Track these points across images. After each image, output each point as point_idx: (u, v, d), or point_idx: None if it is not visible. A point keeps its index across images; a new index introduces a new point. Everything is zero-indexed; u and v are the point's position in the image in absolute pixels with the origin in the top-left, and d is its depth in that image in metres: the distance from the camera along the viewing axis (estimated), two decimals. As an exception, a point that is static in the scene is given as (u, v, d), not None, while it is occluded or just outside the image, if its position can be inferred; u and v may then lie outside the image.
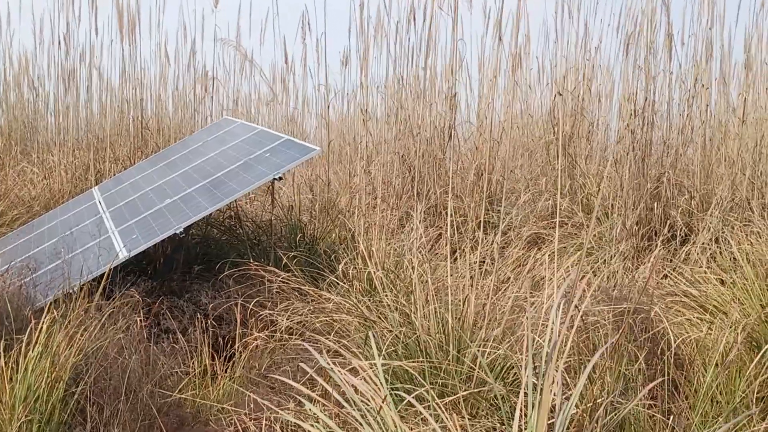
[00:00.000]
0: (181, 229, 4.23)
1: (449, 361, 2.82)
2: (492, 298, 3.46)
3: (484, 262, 5.27)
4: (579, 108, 7.55)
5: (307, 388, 2.37)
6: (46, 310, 3.43)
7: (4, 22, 8.33)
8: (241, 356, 3.32)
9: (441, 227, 6.30)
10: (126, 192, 5.49)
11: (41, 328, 2.65)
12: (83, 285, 3.85)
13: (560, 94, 7.15)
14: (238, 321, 3.58)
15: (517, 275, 4.77)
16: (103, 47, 7.89)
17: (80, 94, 7.88)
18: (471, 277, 3.46)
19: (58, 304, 3.74)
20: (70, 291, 3.82)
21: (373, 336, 2.52)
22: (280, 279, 4.41)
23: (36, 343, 2.61)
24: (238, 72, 8.85)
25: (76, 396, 2.65)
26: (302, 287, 4.44)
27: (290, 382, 2.25)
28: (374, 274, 3.87)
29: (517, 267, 5.14)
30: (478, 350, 2.98)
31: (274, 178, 4.40)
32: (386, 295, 3.69)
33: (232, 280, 4.41)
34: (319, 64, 9.13)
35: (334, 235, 5.95)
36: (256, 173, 4.55)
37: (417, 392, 2.19)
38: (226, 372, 3.16)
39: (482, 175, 6.98)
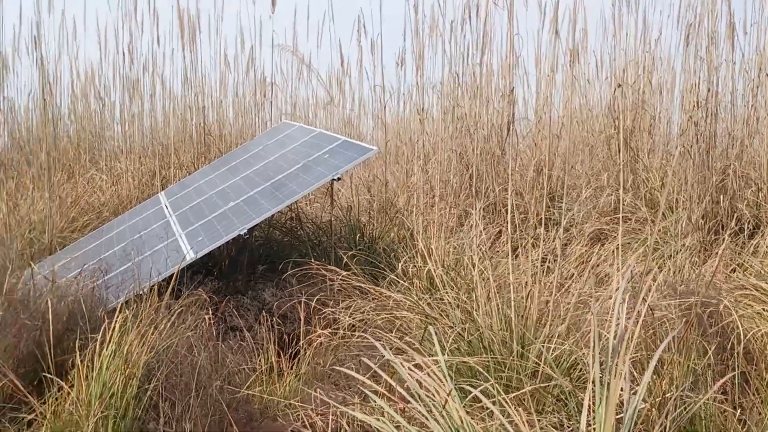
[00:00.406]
0: (245, 231, 4.32)
1: (513, 357, 2.82)
2: (555, 294, 3.43)
3: (546, 259, 5.23)
4: (640, 101, 7.43)
5: (373, 383, 2.40)
6: (117, 310, 3.55)
7: (70, 36, 8.61)
8: (305, 353, 3.37)
9: (501, 225, 6.27)
10: (190, 196, 5.63)
11: (114, 327, 2.74)
12: (153, 286, 3.98)
13: (620, 86, 7.04)
14: (302, 319, 3.64)
15: (581, 272, 4.72)
16: (165, 56, 8.13)
17: (144, 103, 8.12)
18: (533, 273, 3.44)
19: (129, 305, 3.87)
20: (140, 292, 3.95)
21: (435, 332, 2.54)
22: (340, 278, 4.47)
23: (109, 341, 2.71)
24: (296, 77, 8.97)
25: (149, 392, 2.74)
26: (362, 285, 4.49)
27: (356, 375, 2.29)
28: (434, 272, 3.88)
29: (580, 264, 5.08)
30: (543, 346, 2.97)
31: (333, 179, 4.46)
32: (447, 293, 3.70)
33: (295, 279, 4.49)
34: (375, 66, 9.22)
35: (392, 234, 5.99)
36: (315, 174, 4.62)
37: (482, 387, 2.20)
38: (291, 368, 3.22)
39: (542, 171, 6.93)
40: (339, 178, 4.45)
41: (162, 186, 7.43)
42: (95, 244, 5.64)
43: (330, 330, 3.42)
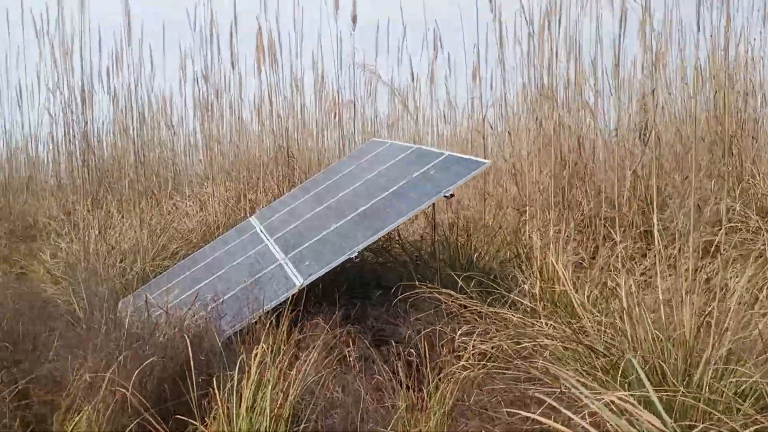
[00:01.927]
0: (356, 254, 4.11)
1: (693, 388, 2.51)
2: (712, 311, 3.11)
3: (645, 274, 4.87)
4: (743, 104, 7.01)
5: (554, 424, 2.12)
6: (240, 340, 3.37)
7: (146, 64, 8.62)
8: (440, 385, 3.12)
9: (595, 239, 5.94)
10: (286, 220, 5.47)
11: (253, 361, 2.54)
12: (263, 314, 3.79)
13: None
14: (426, 347, 3.39)
15: (694, 287, 4.34)
16: (242, 79, 8.06)
17: (223, 126, 8.06)
18: (687, 291, 3.13)
19: (241, 334, 3.69)
20: (253, 321, 3.77)
21: (635, 362, 2.25)
22: (457, 302, 4.21)
23: (249, 379, 2.51)
24: (370, 94, 8.80)
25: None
26: (480, 309, 4.23)
27: (538, 417, 2.02)
28: (572, 295, 3.59)
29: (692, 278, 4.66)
30: (713, 372, 2.66)
31: (445, 195, 4.22)
32: (587, 317, 3.41)
33: (408, 304, 4.25)
34: (447, 80, 9.01)
35: (499, 252, 5.72)
36: (424, 191, 4.39)
37: (700, 427, 1.91)
38: (431, 404, 2.97)
39: (639, 181, 6.57)
40: (452, 195, 4.21)
41: (250, 210, 7.31)
42: (191, 272, 5.52)
43: (465, 359, 3.16)
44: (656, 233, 3.42)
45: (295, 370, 2.58)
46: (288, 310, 3.75)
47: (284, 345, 2.85)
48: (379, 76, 8.46)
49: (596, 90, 6.87)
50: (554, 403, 2.08)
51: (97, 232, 6.54)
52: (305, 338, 3.03)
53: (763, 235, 5.53)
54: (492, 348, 3.27)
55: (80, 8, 8.18)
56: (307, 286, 4.07)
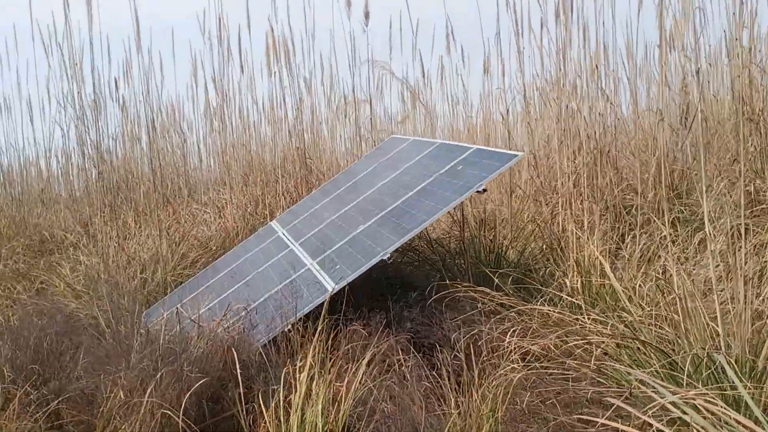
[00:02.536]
0: (388, 255, 3.98)
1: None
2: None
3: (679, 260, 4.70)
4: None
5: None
6: (272, 350, 3.24)
7: (156, 71, 8.50)
8: (487, 388, 2.98)
9: (620, 227, 5.79)
10: (310, 223, 5.34)
11: (299, 374, 2.41)
12: (297, 321, 3.67)
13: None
14: (471, 351, 3.26)
15: (726, 273, 4.18)
16: (253, 80, 7.94)
17: (235, 129, 7.94)
18: (746, 281, 2.97)
19: (275, 343, 3.57)
20: (287, 329, 3.65)
21: (721, 358, 2.11)
22: (494, 300, 4.08)
23: (297, 391, 2.38)
24: (380, 91, 8.66)
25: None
26: (518, 306, 4.10)
27: (606, 422, 1.88)
28: (618, 288, 3.45)
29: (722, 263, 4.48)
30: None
31: (478, 191, 4.08)
32: (635, 311, 3.27)
33: (443, 304, 4.12)
34: (461, 74, 8.86)
35: (524, 246, 5.58)
36: (453, 188, 4.25)
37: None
38: (482, 408, 2.84)
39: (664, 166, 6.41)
40: (484, 190, 4.07)
41: (269, 215, 7.20)
42: (214, 280, 5.40)
43: (517, 362, 3.02)
44: (707, 220, 3.25)
45: (346, 381, 2.45)
46: (323, 317, 3.62)
47: (328, 355, 2.71)
48: (392, 72, 8.32)
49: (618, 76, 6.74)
50: (626, 407, 1.94)
51: (116, 244, 6.43)
52: (351, 348, 2.89)
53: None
54: (540, 348, 3.14)
55: (88, 18, 8.08)
56: (337, 290, 3.94)
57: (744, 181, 6.33)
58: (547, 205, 5.87)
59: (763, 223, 5.38)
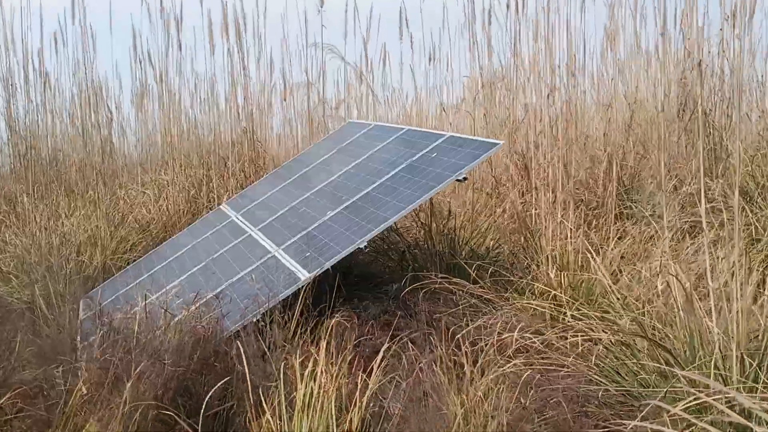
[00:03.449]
0: (365, 243, 3.77)
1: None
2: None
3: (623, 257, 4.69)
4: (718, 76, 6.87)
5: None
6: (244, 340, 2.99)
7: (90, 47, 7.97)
8: (484, 382, 2.81)
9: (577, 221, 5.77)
10: (270, 208, 5.06)
11: (305, 371, 2.18)
12: (269, 310, 3.43)
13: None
14: (466, 345, 3.08)
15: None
16: (202, 57, 7.58)
17: (182, 109, 7.55)
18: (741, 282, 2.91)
19: (247, 331, 3.31)
20: (257, 319, 3.40)
21: None
22: (471, 292, 3.94)
23: (297, 390, 2.15)
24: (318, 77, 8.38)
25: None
26: (489, 297, 3.97)
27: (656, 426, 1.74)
28: (607, 284, 3.35)
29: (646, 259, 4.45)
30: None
31: (458, 179, 3.92)
32: (618, 305, 3.18)
33: (419, 296, 3.95)
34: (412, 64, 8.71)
35: (483, 239, 5.47)
36: (430, 176, 4.08)
37: None
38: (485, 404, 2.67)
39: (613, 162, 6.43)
40: (465, 178, 3.91)
41: (210, 199, 6.85)
42: (163, 265, 5.06)
43: (516, 357, 2.87)
44: (737, 212, 3.18)
45: (359, 377, 2.23)
46: (300, 306, 3.39)
47: (325, 351, 2.48)
48: (342, 57, 8.08)
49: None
50: (681, 412, 1.81)
51: (52, 222, 5.99)
52: (342, 339, 2.67)
53: (747, 216, 5.41)
54: (541, 342, 3.00)
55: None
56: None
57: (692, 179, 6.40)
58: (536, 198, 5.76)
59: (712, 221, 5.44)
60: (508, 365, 2.70)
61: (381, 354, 2.43)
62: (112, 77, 9.59)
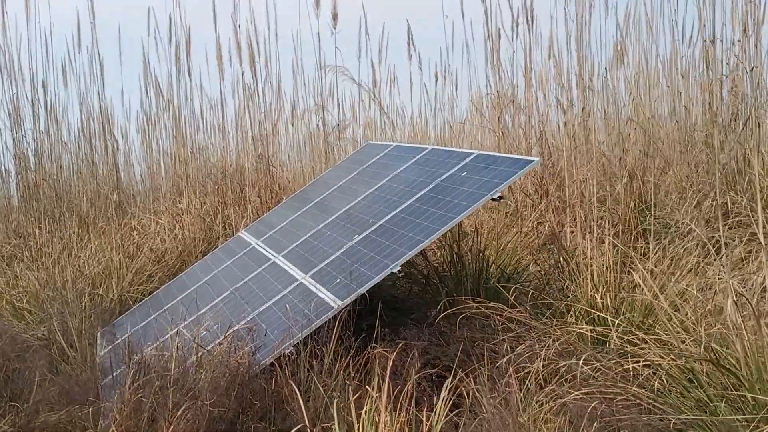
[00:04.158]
0: (398, 267, 3.61)
1: None
2: None
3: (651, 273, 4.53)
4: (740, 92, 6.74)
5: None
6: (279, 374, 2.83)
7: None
8: (540, 415, 2.64)
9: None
10: (291, 233, 4.91)
11: (363, 412, 2.01)
12: (299, 342, 3.26)
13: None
14: (513, 375, 2.91)
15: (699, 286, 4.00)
16: (210, 84, 7.47)
17: (189, 135, 7.43)
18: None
19: (280, 363, 3.14)
20: (288, 351, 3.23)
21: None
22: (508, 316, 3.76)
23: None
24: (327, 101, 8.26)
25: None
26: (529, 322, 3.79)
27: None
28: (657, 303, 3.18)
29: (687, 275, 4.28)
30: None
31: (493, 198, 3.77)
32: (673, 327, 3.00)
33: (455, 323, 3.78)
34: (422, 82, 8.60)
35: (510, 260, 5.31)
36: (463, 195, 3.92)
37: None
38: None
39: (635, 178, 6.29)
40: (501, 197, 3.76)
41: (226, 226, 6.71)
42: (183, 296, 4.90)
43: (571, 387, 2.70)
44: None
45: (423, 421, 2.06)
46: (335, 337, 3.22)
47: (381, 389, 2.30)
48: (352, 78, 7.98)
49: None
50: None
51: (65, 255, 5.84)
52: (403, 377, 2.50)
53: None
54: (596, 371, 2.82)
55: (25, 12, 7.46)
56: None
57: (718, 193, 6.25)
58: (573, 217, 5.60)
59: (736, 235, 5.27)
60: (570, 396, 2.52)
61: (443, 393, 2.25)
62: (119, 104, 9.47)
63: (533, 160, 3.89)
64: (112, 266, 5.91)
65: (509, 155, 4.12)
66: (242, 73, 6.61)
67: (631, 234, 5.54)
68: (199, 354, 2.90)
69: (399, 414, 2.12)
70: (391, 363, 2.30)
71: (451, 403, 2.25)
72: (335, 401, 2.24)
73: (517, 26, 7.39)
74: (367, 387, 2.26)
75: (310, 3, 6.66)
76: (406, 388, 2.32)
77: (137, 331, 4.59)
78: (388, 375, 2.17)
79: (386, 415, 2.04)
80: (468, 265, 4.61)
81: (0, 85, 7.56)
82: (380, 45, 7.47)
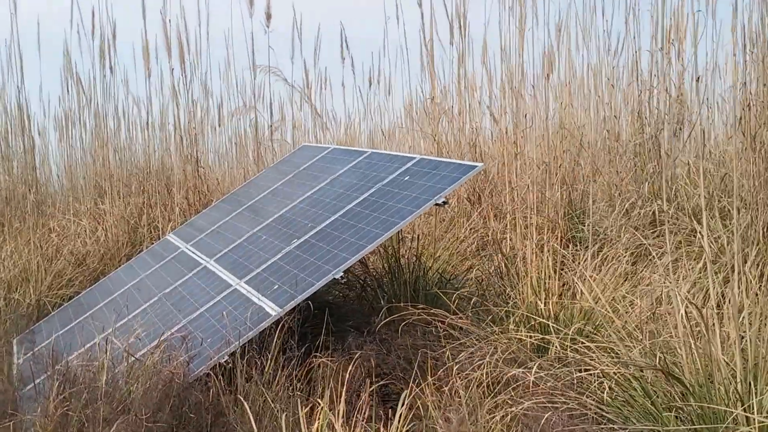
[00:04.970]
0: (341, 273, 3.50)
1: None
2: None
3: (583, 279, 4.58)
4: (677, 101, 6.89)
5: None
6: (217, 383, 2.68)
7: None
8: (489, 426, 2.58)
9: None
10: (223, 237, 4.73)
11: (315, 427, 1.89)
12: (235, 351, 3.11)
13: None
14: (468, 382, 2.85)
15: (632, 293, 4.07)
16: (128, 81, 7.18)
17: (114, 133, 7.12)
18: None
19: (216, 374, 2.99)
20: (223, 360, 3.08)
21: None
22: (450, 322, 3.70)
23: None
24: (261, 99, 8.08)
25: None
26: (470, 328, 3.74)
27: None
28: (598, 310, 3.17)
29: (624, 282, 4.35)
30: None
31: (437, 203, 3.70)
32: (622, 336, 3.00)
33: (394, 329, 3.69)
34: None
35: (446, 265, 5.26)
36: (407, 199, 3.84)
37: None
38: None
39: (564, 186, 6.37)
40: (445, 202, 3.69)
41: (152, 228, 6.44)
42: (108, 301, 4.65)
43: (520, 395, 2.64)
44: (736, 234, 3.03)
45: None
46: (275, 346, 3.09)
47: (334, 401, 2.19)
48: (284, 79, 7.82)
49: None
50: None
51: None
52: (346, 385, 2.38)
53: (698, 237, 5.35)
54: (540, 379, 2.78)
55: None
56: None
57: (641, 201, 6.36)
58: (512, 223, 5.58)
59: (664, 243, 5.38)
60: (520, 407, 2.47)
61: (399, 409, 2.15)
62: (37, 99, 9.02)
63: (476, 166, 3.85)
64: (29, 269, 5.60)
65: (452, 160, 4.08)
66: (171, 70, 6.36)
67: (562, 240, 5.59)
68: (131, 363, 2.72)
69: (354, 429, 2.02)
70: (348, 375, 2.18)
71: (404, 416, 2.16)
72: (283, 415, 2.11)
73: (452, 33, 7.41)
74: (318, 400, 2.15)
75: (243, 2, 6.47)
76: (360, 402, 2.21)
77: (58, 339, 4.33)
78: (344, 388, 2.06)
79: (342, 431, 1.93)
80: (407, 271, 4.54)
81: None
82: (315, 46, 7.33)
